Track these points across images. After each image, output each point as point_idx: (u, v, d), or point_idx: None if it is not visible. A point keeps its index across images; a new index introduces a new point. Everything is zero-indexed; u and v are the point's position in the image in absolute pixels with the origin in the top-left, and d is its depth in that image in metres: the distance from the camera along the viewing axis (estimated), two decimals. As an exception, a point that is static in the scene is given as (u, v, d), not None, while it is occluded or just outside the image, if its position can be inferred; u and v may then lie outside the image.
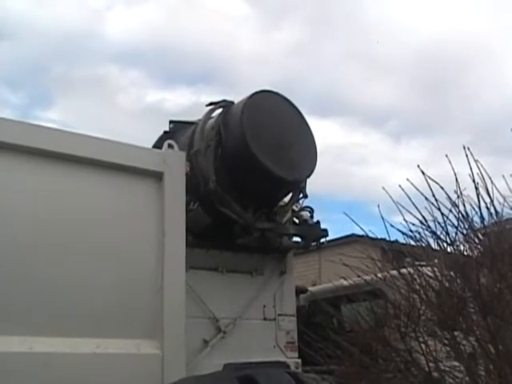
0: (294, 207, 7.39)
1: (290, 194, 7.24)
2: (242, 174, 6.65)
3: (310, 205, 7.55)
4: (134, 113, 30.31)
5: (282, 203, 7.21)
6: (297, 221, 7.41)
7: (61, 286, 4.71)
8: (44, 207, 4.83)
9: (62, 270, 4.74)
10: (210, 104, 7.05)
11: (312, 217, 7.42)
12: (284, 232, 7.15)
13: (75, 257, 4.85)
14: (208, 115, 7.02)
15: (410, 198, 4.62)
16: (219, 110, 7.03)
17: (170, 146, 5.65)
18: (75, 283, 4.78)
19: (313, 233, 7.29)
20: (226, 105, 6.97)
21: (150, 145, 6.96)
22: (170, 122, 7.53)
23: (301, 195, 7.32)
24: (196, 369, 5.82)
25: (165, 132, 7.42)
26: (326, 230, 7.32)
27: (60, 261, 4.76)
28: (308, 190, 7.32)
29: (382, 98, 30.71)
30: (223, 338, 6.64)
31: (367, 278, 5.10)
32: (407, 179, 4.62)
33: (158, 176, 5.47)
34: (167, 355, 5.07)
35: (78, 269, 4.82)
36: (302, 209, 7.45)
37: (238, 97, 7.03)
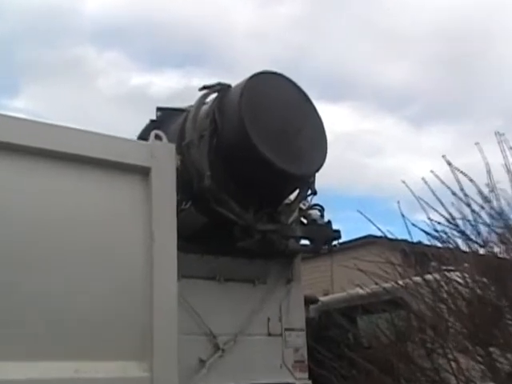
0: (302, 205, 7.35)
1: (297, 191, 7.20)
2: (242, 168, 6.62)
3: (319, 202, 7.52)
4: (115, 99, 30.20)
5: (287, 201, 7.17)
6: (305, 221, 7.37)
7: (31, 302, 4.59)
8: (13, 207, 4.73)
9: (32, 283, 4.62)
10: (204, 88, 7.00)
11: (322, 216, 7.38)
12: (290, 234, 7.10)
13: (48, 267, 4.73)
14: (201, 101, 6.97)
15: (434, 193, 4.55)
16: (214, 95, 6.98)
17: (157, 137, 5.61)
18: (48, 298, 4.66)
19: (323, 234, 7.24)
20: (221, 89, 6.91)
21: (134, 136, 6.95)
22: (158, 109, 7.49)
23: (309, 192, 7.29)
24: (192, 393, 5.78)
25: (151, 121, 7.39)
26: (338, 231, 7.26)
27: (30, 273, 4.63)
28: (317, 186, 7.30)
29: (400, 79, 30.63)
30: (222, 357, 6.60)
31: (386, 285, 5.05)
32: (431, 171, 4.54)
33: (144, 172, 5.39)
34: (158, 378, 4.97)
35: (52, 281, 4.71)
36: (311, 207, 7.41)
37: (234, 79, 7.00)
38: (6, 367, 4.33)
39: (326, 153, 6.95)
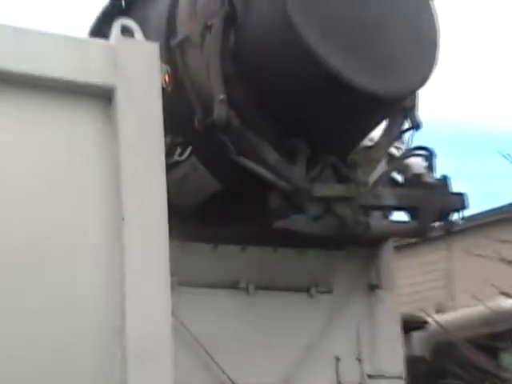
0: (393, 150, 7.14)
1: (385, 124, 6.95)
2: (283, 85, 6.45)
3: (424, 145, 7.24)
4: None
5: (366, 143, 6.95)
6: (400, 178, 7.17)
7: None
8: None
9: None
10: None
11: (431, 169, 7.09)
12: (373, 203, 6.85)
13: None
14: None
15: None
16: None
17: (125, 30, 5.33)
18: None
19: (435, 202, 6.96)
20: None
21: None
22: None
23: (406, 125, 7.01)
24: None
25: (114, 1, 7.30)
26: (462, 196, 6.98)
27: None
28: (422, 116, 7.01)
29: None
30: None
31: None
32: None
33: (103, 94, 5.18)
34: None
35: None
36: (410, 153, 7.17)
37: None
38: None
39: (435, 59, 6.77)
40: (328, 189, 6.55)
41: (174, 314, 4.89)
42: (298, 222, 6.55)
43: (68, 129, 5.09)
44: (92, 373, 4.64)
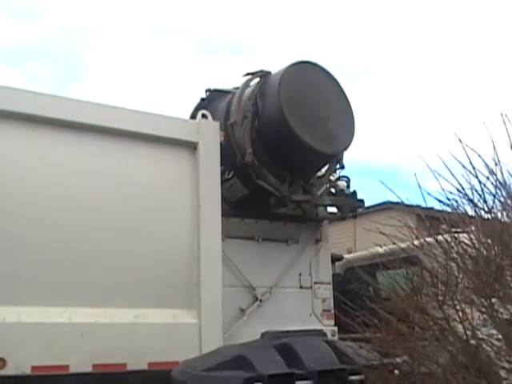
0: (331, 177, 7.17)
1: (327, 165, 7.02)
2: (279, 146, 6.46)
3: (346, 173, 7.30)
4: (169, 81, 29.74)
5: (318, 174, 7.02)
6: (333, 191, 7.19)
7: (99, 260, 4.78)
8: (82, 181, 4.96)
9: (100, 245, 4.82)
10: (247, 74, 6.85)
11: (348, 186, 7.19)
12: (320, 203, 6.98)
13: (113, 231, 4.92)
14: (245, 84, 6.80)
15: (446, 166, 4.29)
16: (256, 80, 6.80)
17: (203, 116, 5.81)
18: (114, 257, 4.87)
19: (349, 203, 7.08)
20: (263, 75, 6.74)
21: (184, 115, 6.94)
22: (207, 90, 7.32)
23: (338, 166, 7.11)
24: (233, 337, 5.82)
25: (201, 99, 7.23)
26: (362, 201, 7.10)
27: (98, 236, 4.83)
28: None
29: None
30: (260, 307, 6.59)
31: (403, 245, 4.75)
32: (445, 148, 4.30)
33: (192, 146, 5.54)
34: (204, 324, 5.16)
35: (117, 243, 4.90)
36: (339, 179, 7.22)
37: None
38: (79, 312, 4.57)
39: (353, 133, 6.74)
40: (299, 196, 6.67)
41: (222, 251, 5.59)
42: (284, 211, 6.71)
43: (172, 164, 5.52)
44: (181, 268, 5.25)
